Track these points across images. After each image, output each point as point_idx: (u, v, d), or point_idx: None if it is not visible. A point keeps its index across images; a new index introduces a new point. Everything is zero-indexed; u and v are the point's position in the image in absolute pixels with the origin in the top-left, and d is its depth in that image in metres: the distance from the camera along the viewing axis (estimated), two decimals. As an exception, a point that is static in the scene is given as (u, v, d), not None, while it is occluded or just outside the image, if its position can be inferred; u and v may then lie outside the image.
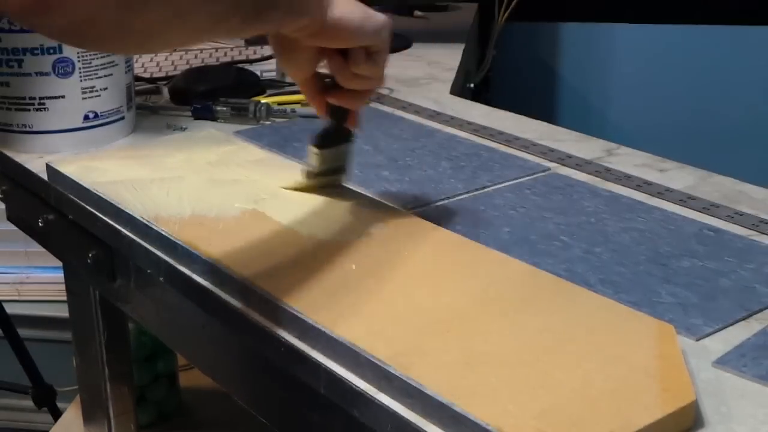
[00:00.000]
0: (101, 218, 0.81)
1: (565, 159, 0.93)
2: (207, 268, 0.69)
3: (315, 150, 0.77)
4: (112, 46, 0.66)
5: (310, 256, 0.69)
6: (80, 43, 0.59)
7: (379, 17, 0.69)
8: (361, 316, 0.61)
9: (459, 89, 1.33)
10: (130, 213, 0.77)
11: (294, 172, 0.86)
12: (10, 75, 0.93)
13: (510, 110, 1.10)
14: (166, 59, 1.31)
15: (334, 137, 0.78)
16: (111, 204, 0.79)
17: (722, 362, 0.58)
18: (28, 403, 1.64)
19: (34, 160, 0.93)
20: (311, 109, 1.07)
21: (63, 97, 0.94)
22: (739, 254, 0.72)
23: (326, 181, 0.80)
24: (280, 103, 1.08)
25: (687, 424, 0.52)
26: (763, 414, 0.53)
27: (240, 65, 1.24)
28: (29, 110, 0.94)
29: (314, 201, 0.78)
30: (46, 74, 0.93)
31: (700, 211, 0.80)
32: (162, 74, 1.24)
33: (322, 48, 0.70)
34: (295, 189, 0.80)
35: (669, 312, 0.64)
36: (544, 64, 2.03)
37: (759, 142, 1.90)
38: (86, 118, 0.96)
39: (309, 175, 0.79)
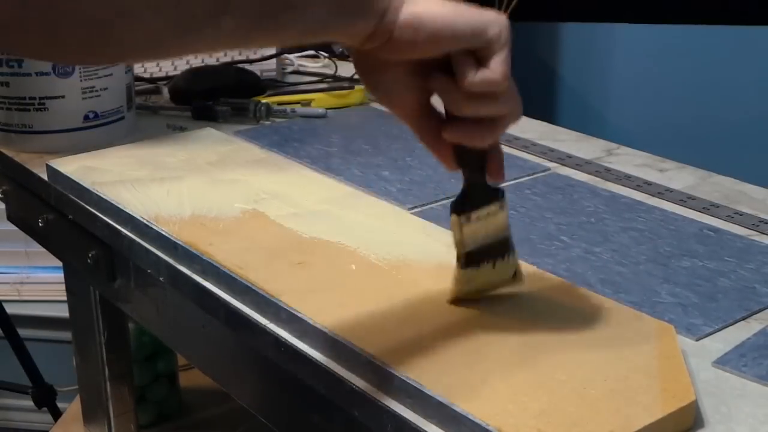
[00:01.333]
0: (101, 218, 0.81)
1: (565, 159, 0.93)
2: (207, 268, 0.69)
3: (454, 218, 0.58)
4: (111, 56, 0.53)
5: (310, 255, 0.69)
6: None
7: (481, 14, 0.52)
8: (361, 315, 0.61)
9: (459, 89, 1.33)
10: (130, 213, 0.77)
11: (293, 172, 0.86)
12: (10, 75, 0.93)
13: (510, 110, 1.10)
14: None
15: (478, 194, 0.58)
16: (111, 204, 0.79)
17: (722, 362, 0.58)
18: (28, 403, 1.64)
19: (34, 160, 0.93)
20: (312, 109, 1.07)
21: (63, 97, 0.94)
22: (739, 254, 0.72)
23: (490, 277, 0.61)
24: (280, 103, 1.08)
25: (687, 424, 0.52)
26: (763, 414, 0.53)
27: (240, 65, 1.24)
28: (29, 110, 0.94)
29: (314, 201, 0.78)
30: (46, 74, 0.93)
31: (700, 211, 0.80)
32: (162, 74, 1.24)
33: (420, 67, 0.53)
34: (460, 295, 0.61)
35: (669, 312, 0.64)
36: (544, 64, 2.03)
37: (759, 142, 1.90)
38: (86, 118, 0.96)
39: (459, 256, 0.60)
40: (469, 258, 0.59)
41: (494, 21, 0.52)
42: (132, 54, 0.51)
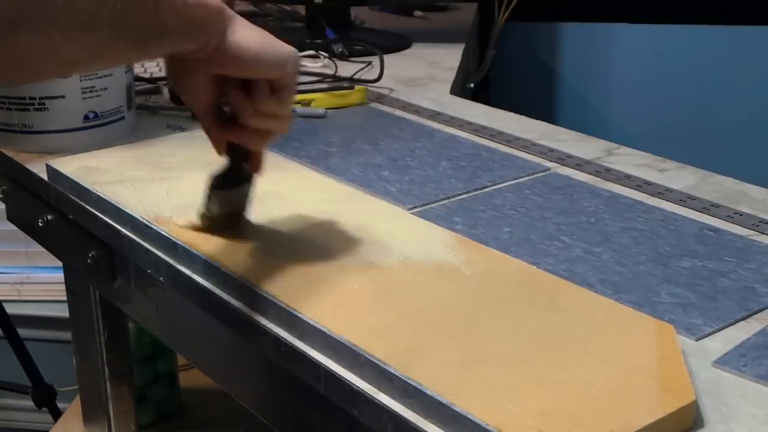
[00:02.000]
0: (101, 218, 0.81)
1: (565, 159, 0.93)
2: (207, 268, 0.69)
3: (211, 192, 0.71)
4: None
5: (311, 256, 0.69)
6: None
7: (284, 48, 0.64)
8: (361, 316, 0.61)
9: (459, 89, 1.33)
10: (130, 213, 0.77)
11: (293, 172, 0.86)
12: (10, 75, 0.93)
13: (510, 110, 1.10)
14: (166, 59, 1.31)
15: (233, 178, 0.71)
16: (111, 204, 0.79)
17: (722, 362, 0.58)
18: (28, 403, 1.64)
19: (34, 160, 0.93)
20: (312, 109, 1.07)
21: (63, 97, 0.94)
22: (739, 254, 0.72)
23: (223, 224, 0.73)
24: (280, 103, 1.07)
25: (687, 424, 0.52)
26: (763, 414, 0.53)
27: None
28: (29, 110, 0.94)
29: (314, 201, 0.78)
30: (46, 74, 0.93)
31: (700, 211, 0.80)
32: (162, 74, 1.24)
33: (223, 77, 0.64)
34: (190, 228, 0.73)
35: (669, 312, 0.64)
36: (544, 64, 2.03)
37: (759, 142, 1.90)
38: (86, 118, 0.96)
39: (204, 217, 0.72)
40: (212, 220, 0.72)
41: (291, 57, 0.64)
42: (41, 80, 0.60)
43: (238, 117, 0.66)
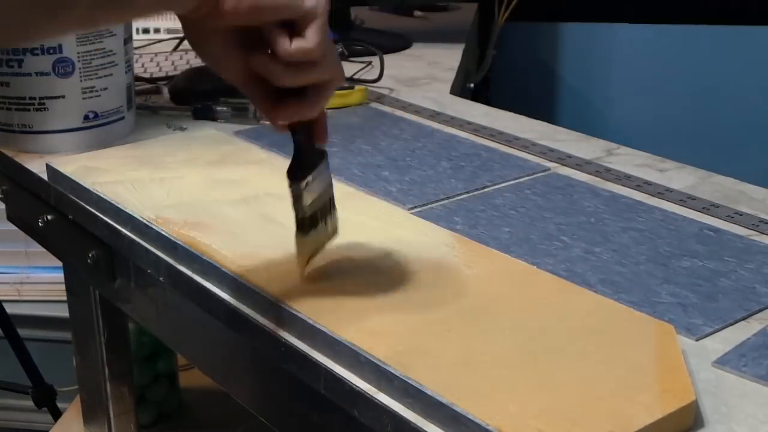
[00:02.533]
0: (101, 218, 0.81)
1: (565, 159, 0.93)
2: (207, 268, 0.69)
3: (296, 185, 0.61)
4: None
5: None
6: None
7: None
8: (361, 316, 0.61)
9: (459, 89, 1.33)
10: (130, 213, 0.77)
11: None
12: (10, 75, 0.93)
13: (510, 110, 1.10)
14: (166, 59, 1.31)
15: (309, 159, 0.62)
16: (111, 204, 0.79)
17: (722, 362, 0.58)
18: (28, 403, 1.64)
19: (34, 160, 0.93)
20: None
21: (63, 97, 0.94)
22: (739, 254, 0.72)
23: (323, 237, 0.65)
24: (280, 103, 1.07)
25: (687, 424, 0.52)
26: (763, 414, 0.53)
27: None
28: (29, 110, 0.94)
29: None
30: (46, 74, 0.93)
31: (700, 211, 0.80)
32: (162, 74, 1.24)
33: (243, 37, 0.57)
34: (306, 262, 0.64)
35: (669, 312, 0.64)
36: (544, 64, 2.03)
37: (759, 142, 1.90)
38: (86, 118, 0.96)
39: (302, 223, 0.62)
40: (311, 221, 0.62)
41: None
42: None
43: (270, 79, 0.57)
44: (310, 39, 0.55)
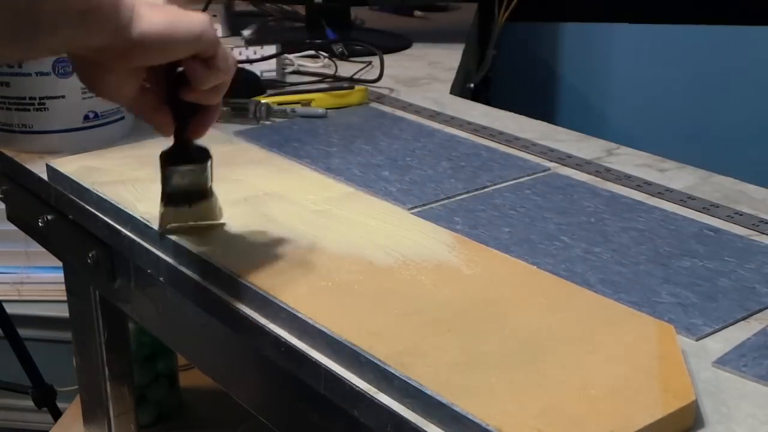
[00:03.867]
0: (101, 218, 0.81)
1: (565, 159, 0.93)
2: (207, 268, 0.69)
3: (165, 169, 0.69)
4: None
5: (311, 256, 0.69)
6: None
7: (192, 21, 0.59)
8: (361, 316, 0.61)
9: (459, 89, 1.33)
10: (130, 213, 0.77)
11: (293, 172, 0.86)
12: (10, 75, 0.93)
13: (510, 110, 1.10)
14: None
15: (184, 153, 0.69)
16: (111, 204, 0.79)
17: (722, 362, 0.58)
18: (28, 403, 1.64)
19: (34, 160, 0.93)
20: (312, 109, 1.07)
21: (63, 97, 0.94)
22: (739, 254, 0.72)
23: (189, 215, 0.72)
24: (280, 103, 1.08)
25: (687, 424, 0.52)
26: (763, 414, 0.53)
27: (240, 65, 1.24)
28: (29, 110, 0.94)
29: (314, 201, 0.78)
30: (46, 74, 0.93)
31: (700, 211, 0.80)
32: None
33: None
34: (164, 226, 0.72)
35: (669, 312, 0.64)
36: (544, 64, 2.03)
37: (759, 142, 1.90)
38: (86, 118, 0.96)
39: (162, 195, 0.71)
40: (169, 198, 0.71)
41: (203, 27, 0.60)
42: None
43: (197, 86, 0.63)
44: (224, 69, 0.62)
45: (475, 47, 1.70)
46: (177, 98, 0.65)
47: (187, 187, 0.70)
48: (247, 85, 1.14)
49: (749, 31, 1.85)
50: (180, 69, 0.63)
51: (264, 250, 0.70)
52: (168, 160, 0.69)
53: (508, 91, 1.95)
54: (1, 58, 0.81)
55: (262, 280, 0.65)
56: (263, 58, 1.27)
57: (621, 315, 0.61)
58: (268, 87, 1.16)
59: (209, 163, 0.70)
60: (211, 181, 0.71)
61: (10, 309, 1.62)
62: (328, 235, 0.72)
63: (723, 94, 1.91)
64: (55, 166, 0.87)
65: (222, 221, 0.73)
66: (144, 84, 0.63)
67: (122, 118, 0.99)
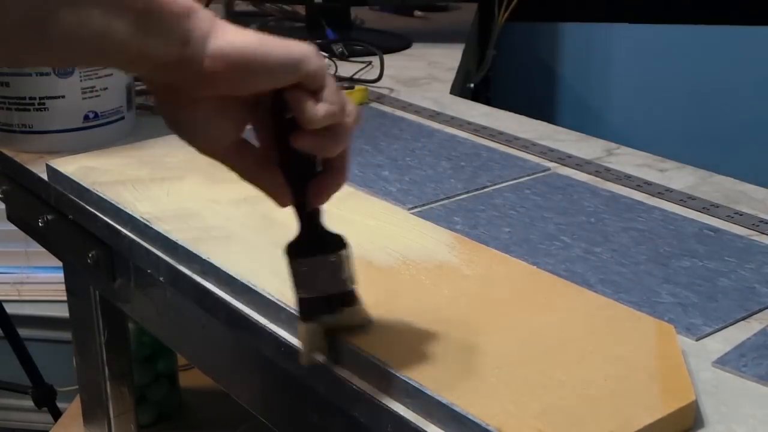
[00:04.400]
0: (101, 218, 0.81)
1: (565, 159, 0.93)
2: (207, 268, 0.69)
3: (292, 265, 0.55)
4: None
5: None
6: None
7: (288, 46, 0.49)
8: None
9: (459, 89, 1.33)
10: (130, 213, 0.77)
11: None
12: (10, 75, 0.93)
13: (510, 110, 1.10)
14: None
15: (311, 243, 0.55)
16: (111, 204, 0.79)
17: (722, 362, 0.58)
18: (28, 403, 1.64)
19: (34, 160, 0.93)
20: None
21: (63, 97, 0.94)
22: (739, 254, 0.72)
23: (336, 323, 0.57)
24: (280, 103, 1.07)
25: (687, 424, 0.52)
26: (763, 414, 0.53)
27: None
28: (29, 110, 0.94)
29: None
30: (46, 74, 0.93)
31: (700, 211, 0.80)
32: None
33: (232, 100, 0.51)
34: (313, 350, 0.58)
35: (669, 312, 0.64)
36: (544, 64, 2.03)
37: (759, 142, 1.90)
38: (86, 118, 0.96)
39: (300, 310, 0.56)
40: (304, 308, 0.56)
41: (306, 53, 0.50)
42: None
43: (302, 121, 0.51)
44: (333, 100, 0.50)
45: (475, 47, 1.70)
46: (288, 151, 0.52)
47: (324, 287, 0.56)
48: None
49: (749, 31, 1.85)
50: (290, 116, 0.51)
51: (264, 250, 0.70)
52: (292, 251, 0.55)
53: (508, 91, 1.95)
54: (45, 63, 0.67)
55: (262, 280, 0.65)
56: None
57: (621, 315, 0.61)
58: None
59: (347, 253, 0.55)
60: (354, 280, 0.56)
61: (10, 309, 1.62)
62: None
63: (723, 94, 1.91)
64: (55, 166, 0.87)
65: (370, 323, 0.58)
66: (244, 138, 0.53)
67: (122, 118, 0.99)
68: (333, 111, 0.50)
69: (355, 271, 0.56)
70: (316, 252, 0.55)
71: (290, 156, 0.52)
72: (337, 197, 0.80)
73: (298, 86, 0.50)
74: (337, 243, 0.55)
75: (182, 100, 0.50)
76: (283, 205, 0.54)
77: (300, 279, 0.55)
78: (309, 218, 0.55)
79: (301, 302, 0.56)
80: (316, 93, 0.50)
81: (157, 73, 0.49)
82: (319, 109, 0.50)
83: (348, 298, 0.57)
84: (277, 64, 0.49)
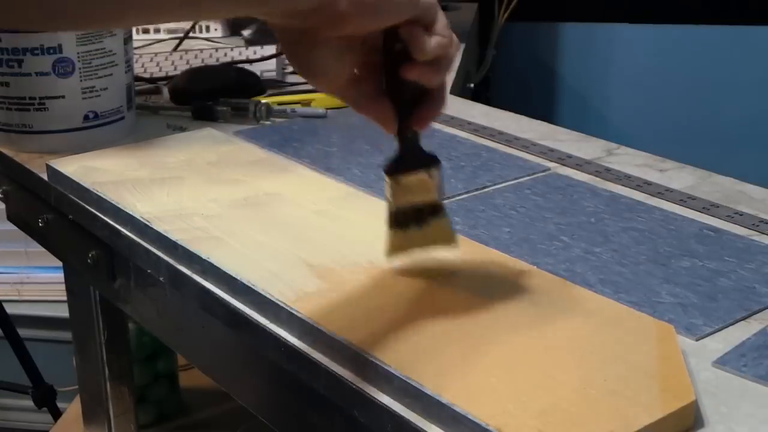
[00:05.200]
0: (101, 218, 0.81)
1: (565, 159, 0.93)
2: (207, 268, 0.69)
3: (386, 179, 0.62)
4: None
5: (310, 255, 0.69)
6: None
7: None
8: (360, 316, 0.61)
9: (459, 89, 1.33)
10: (130, 213, 0.77)
11: (293, 172, 0.86)
12: (10, 75, 0.93)
13: (510, 110, 1.10)
14: (166, 59, 1.31)
15: (409, 161, 0.61)
16: (111, 204, 0.79)
17: (722, 362, 0.58)
18: (28, 403, 1.64)
19: (34, 160, 0.93)
20: (312, 109, 1.07)
21: (63, 97, 0.94)
22: (739, 254, 0.72)
23: (418, 238, 0.64)
24: (280, 103, 1.08)
25: (687, 424, 0.52)
26: (763, 414, 0.53)
27: (240, 65, 1.24)
28: (29, 110, 0.94)
29: (315, 201, 0.78)
30: (46, 74, 0.93)
31: (700, 211, 0.80)
32: (162, 74, 1.24)
33: (351, 40, 0.55)
34: (392, 253, 0.64)
35: (669, 312, 0.64)
36: (544, 64, 2.03)
37: (759, 142, 1.90)
38: (86, 118, 0.96)
39: (389, 216, 0.63)
40: (396, 218, 0.63)
41: None
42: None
43: (423, 84, 0.57)
44: (444, 33, 0.55)
45: (475, 47, 1.70)
46: (397, 82, 0.57)
47: (415, 201, 0.62)
48: (247, 85, 1.14)
49: (749, 31, 1.85)
50: (398, 46, 0.56)
51: (263, 250, 0.70)
52: (391, 168, 0.61)
53: (508, 91, 1.95)
54: (195, 15, 0.72)
55: (262, 279, 0.65)
56: (263, 58, 1.27)
57: (621, 315, 0.61)
58: (268, 87, 1.16)
59: (439, 170, 0.62)
60: (444, 194, 0.63)
61: (10, 309, 1.62)
62: (328, 236, 0.72)
63: (723, 94, 1.91)
64: (55, 166, 0.87)
65: (456, 244, 0.65)
66: (357, 72, 0.58)
67: (122, 118, 0.99)
68: (445, 43, 0.56)
69: (444, 187, 0.63)
70: (411, 168, 0.61)
71: (399, 86, 0.57)
72: (337, 197, 0.80)
73: (413, 21, 0.55)
74: (432, 161, 0.62)
75: (309, 43, 0.54)
76: (390, 131, 0.60)
77: (395, 193, 0.62)
78: (411, 141, 0.61)
79: (395, 213, 0.62)
80: (428, 27, 0.55)
81: (295, 18, 0.52)
82: (432, 42, 0.55)
83: (436, 208, 0.63)
84: (402, 2, 0.53)
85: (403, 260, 0.65)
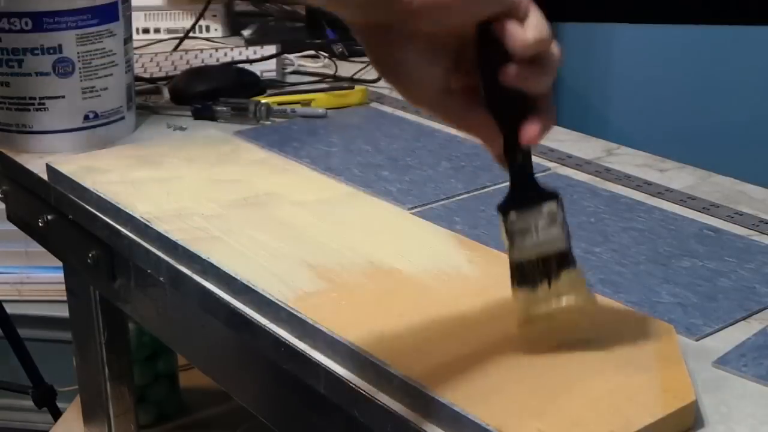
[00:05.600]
0: (101, 218, 0.81)
1: (565, 159, 0.93)
2: (207, 268, 0.69)
3: (506, 223, 0.53)
4: None
5: (310, 255, 0.69)
6: None
7: None
8: (360, 316, 0.61)
9: (459, 89, 1.32)
10: (130, 213, 0.77)
11: (293, 172, 0.86)
12: (10, 75, 0.93)
13: (510, 110, 1.10)
14: (166, 59, 1.31)
15: (522, 195, 0.53)
16: (111, 204, 0.79)
17: (722, 362, 0.58)
18: (28, 403, 1.64)
19: (34, 160, 0.93)
20: (312, 109, 1.07)
21: (63, 97, 0.94)
22: (739, 254, 0.72)
23: (557, 295, 0.54)
24: (280, 103, 1.08)
25: (687, 424, 0.52)
26: (763, 414, 0.53)
27: (240, 65, 1.24)
28: (29, 110, 0.94)
29: (315, 201, 0.78)
30: (46, 74, 0.93)
31: (700, 211, 0.80)
32: (162, 74, 1.24)
33: (439, 43, 0.50)
34: (525, 320, 0.55)
35: (669, 312, 0.64)
36: (544, 64, 2.03)
37: (759, 142, 1.90)
38: (86, 118, 0.96)
39: (513, 268, 0.54)
40: (521, 272, 0.54)
41: None
42: None
43: (526, 90, 0.51)
44: (540, 25, 0.49)
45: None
46: (496, 90, 0.50)
47: (540, 249, 0.53)
48: (247, 85, 1.14)
49: (749, 31, 1.85)
50: (495, 48, 0.50)
51: (263, 250, 0.70)
52: (504, 205, 0.53)
53: (508, 91, 1.94)
54: None
55: (262, 279, 0.65)
56: (263, 58, 1.27)
57: (621, 315, 0.61)
58: (268, 87, 1.16)
59: (563, 208, 0.53)
60: (570, 237, 0.53)
61: (10, 309, 1.62)
62: (328, 236, 0.72)
63: (723, 94, 1.91)
64: (55, 166, 0.87)
65: (593, 303, 0.55)
66: (451, 83, 0.52)
67: (122, 118, 0.99)
68: (542, 36, 0.49)
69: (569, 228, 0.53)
70: (527, 205, 0.52)
71: (499, 96, 0.51)
72: (337, 197, 0.80)
73: (504, 16, 0.49)
74: (551, 196, 0.53)
75: (395, 43, 0.49)
76: (495, 149, 0.53)
77: (512, 236, 0.53)
78: (520, 168, 0.53)
79: (518, 267, 0.53)
80: (522, 21, 0.49)
81: (366, 8, 0.48)
82: (529, 33, 0.49)
83: (564, 258, 0.53)
84: None
85: (539, 329, 0.55)
